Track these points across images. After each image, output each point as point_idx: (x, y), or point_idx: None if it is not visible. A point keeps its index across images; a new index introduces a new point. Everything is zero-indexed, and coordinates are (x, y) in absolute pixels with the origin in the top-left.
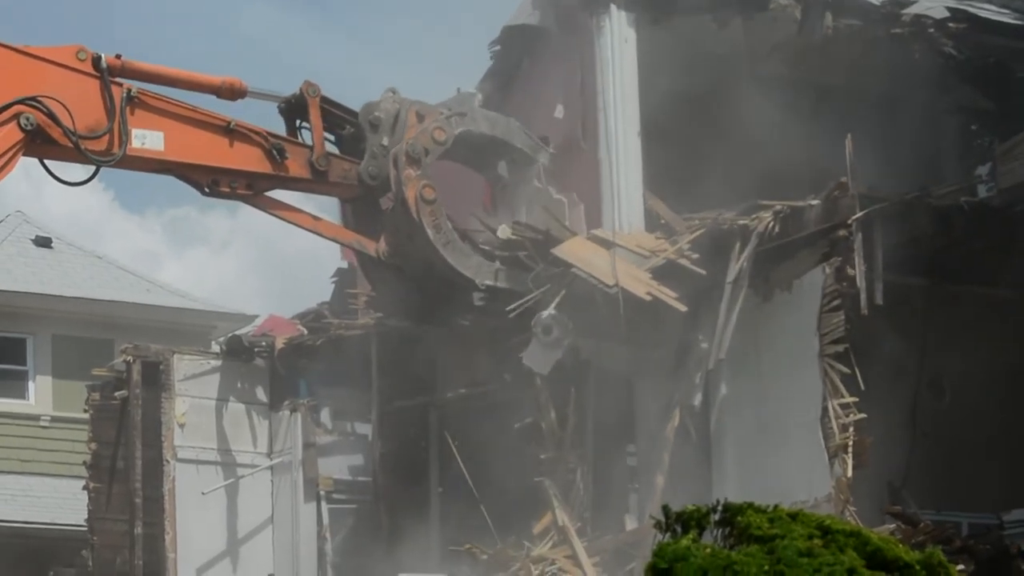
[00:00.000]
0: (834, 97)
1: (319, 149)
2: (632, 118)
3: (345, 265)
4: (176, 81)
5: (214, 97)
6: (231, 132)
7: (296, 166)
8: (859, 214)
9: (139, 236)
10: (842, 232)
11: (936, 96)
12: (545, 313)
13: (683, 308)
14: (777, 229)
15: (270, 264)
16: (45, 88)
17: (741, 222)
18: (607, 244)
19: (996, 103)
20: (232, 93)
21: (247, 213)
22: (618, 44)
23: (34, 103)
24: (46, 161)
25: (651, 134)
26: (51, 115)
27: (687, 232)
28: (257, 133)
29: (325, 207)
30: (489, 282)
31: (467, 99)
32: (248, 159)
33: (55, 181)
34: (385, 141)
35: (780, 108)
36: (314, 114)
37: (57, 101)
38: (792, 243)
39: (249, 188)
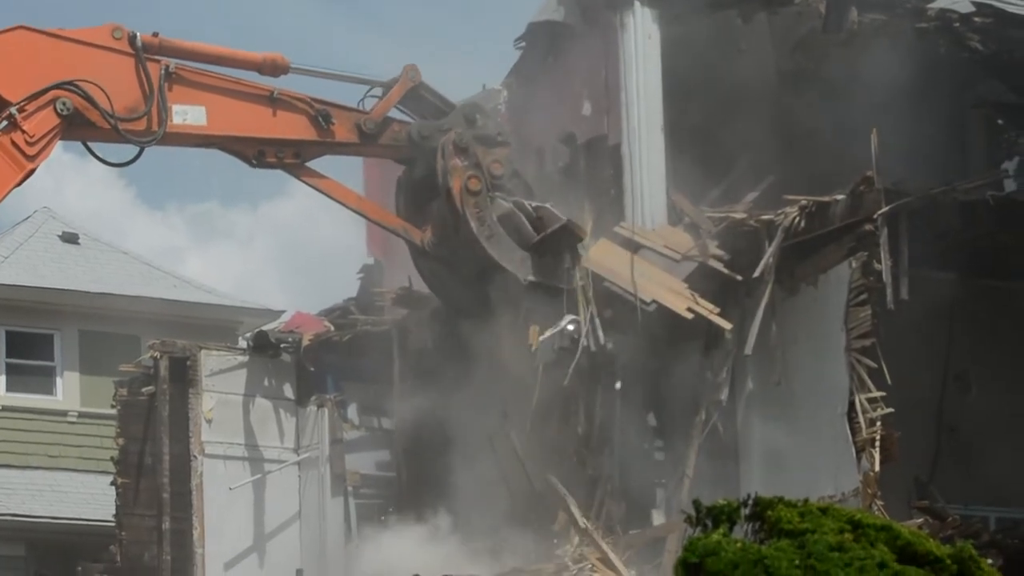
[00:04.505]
0: (859, 92)
1: (375, 115)
2: (655, 114)
3: (371, 261)
4: (216, 58)
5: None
6: (274, 101)
7: (343, 131)
8: (885, 209)
9: (162, 232)
10: (868, 227)
11: (962, 90)
12: (570, 319)
13: (728, 326)
14: (803, 224)
15: (295, 259)
16: (82, 70)
17: (766, 217)
18: (633, 245)
19: (1022, 97)
20: (274, 69)
21: (270, 207)
22: (641, 40)
23: (70, 87)
24: (90, 144)
25: (675, 130)
26: (88, 98)
27: (711, 227)
28: (301, 100)
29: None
30: (532, 278)
31: (493, 96)
32: (293, 127)
33: (70, 180)
34: (460, 129)
35: (804, 103)
36: (396, 89)
37: (93, 83)
38: (818, 238)
39: (296, 157)
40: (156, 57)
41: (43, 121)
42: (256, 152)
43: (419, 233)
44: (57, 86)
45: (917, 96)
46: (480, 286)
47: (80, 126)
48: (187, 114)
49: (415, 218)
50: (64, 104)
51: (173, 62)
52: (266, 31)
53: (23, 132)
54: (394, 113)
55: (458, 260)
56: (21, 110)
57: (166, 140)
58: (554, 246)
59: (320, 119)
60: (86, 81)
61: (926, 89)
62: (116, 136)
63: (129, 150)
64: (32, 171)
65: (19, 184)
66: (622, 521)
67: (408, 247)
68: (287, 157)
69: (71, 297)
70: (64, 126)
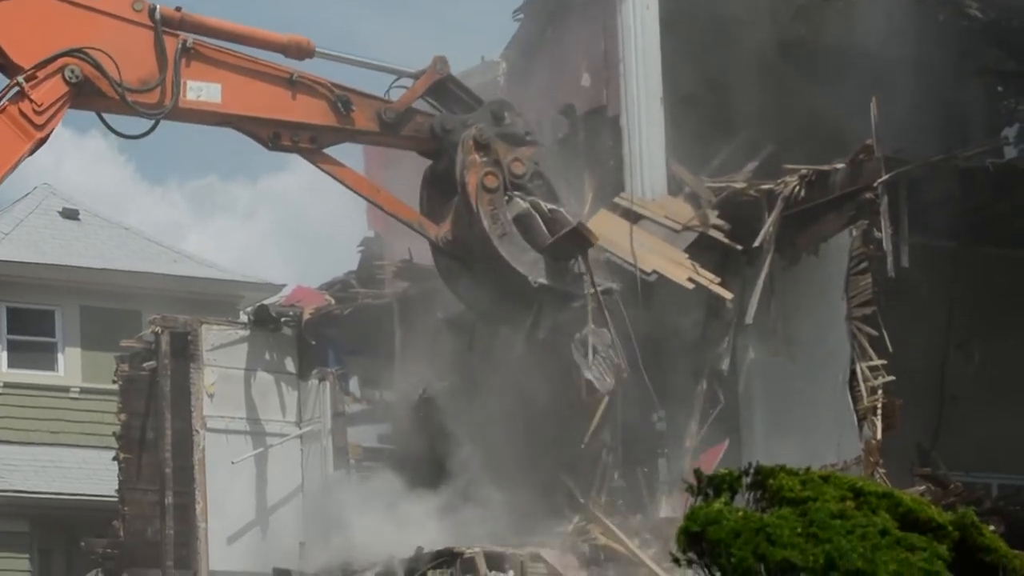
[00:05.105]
0: (858, 61)
1: (398, 105)
2: (654, 84)
3: (372, 234)
4: (239, 37)
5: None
6: (294, 84)
7: (363, 119)
8: (885, 177)
9: (162, 207)
10: (868, 195)
11: (961, 58)
12: (585, 332)
13: (729, 295)
14: (803, 193)
15: (295, 233)
16: (96, 39)
17: (766, 187)
18: (633, 216)
19: (1021, 64)
20: (299, 52)
21: (271, 181)
22: (640, 11)
23: (80, 54)
24: (104, 115)
25: (674, 100)
26: (97, 66)
27: (711, 197)
28: (321, 84)
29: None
30: (543, 280)
31: (491, 68)
32: (311, 111)
33: (70, 156)
34: (483, 125)
35: (804, 72)
36: (422, 80)
37: (103, 52)
38: (818, 207)
39: (313, 142)
40: (176, 32)
41: (51, 89)
42: (271, 134)
43: (435, 228)
44: (66, 53)
45: (917, 64)
46: (493, 285)
47: (89, 95)
48: (201, 91)
49: (437, 213)
50: (73, 72)
51: (192, 37)
52: (265, 13)
53: (31, 101)
54: (422, 106)
55: (472, 257)
56: (31, 78)
57: (180, 116)
58: (565, 250)
59: (340, 105)
60: (96, 49)
61: (926, 57)
62: (124, 107)
63: (142, 123)
64: (42, 141)
65: (30, 154)
66: (624, 492)
67: (431, 247)
68: (303, 141)
69: (72, 273)
70: (73, 94)
